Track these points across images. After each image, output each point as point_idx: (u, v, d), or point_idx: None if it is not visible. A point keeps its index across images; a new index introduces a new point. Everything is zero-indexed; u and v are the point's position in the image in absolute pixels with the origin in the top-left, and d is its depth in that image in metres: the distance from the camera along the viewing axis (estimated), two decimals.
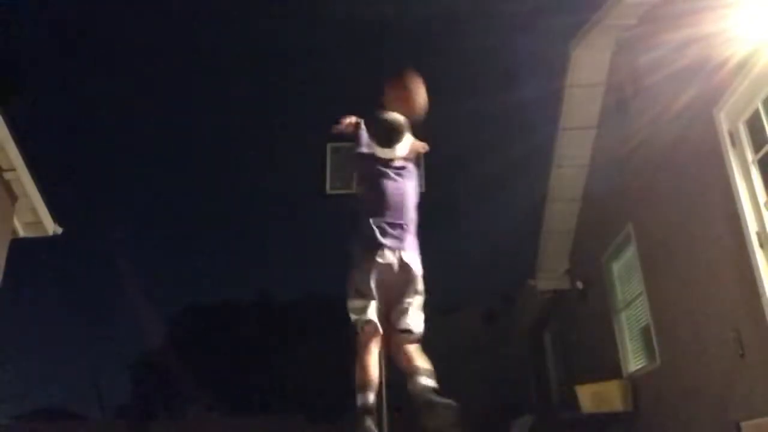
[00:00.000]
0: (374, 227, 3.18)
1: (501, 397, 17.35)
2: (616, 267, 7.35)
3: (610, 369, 6.98)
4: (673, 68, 5.33)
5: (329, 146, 7.00)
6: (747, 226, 4.30)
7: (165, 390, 24.23)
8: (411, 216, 3.33)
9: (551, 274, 9.18)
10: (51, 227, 8.03)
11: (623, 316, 7.10)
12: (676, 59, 5.27)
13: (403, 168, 3.44)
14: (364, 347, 3.05)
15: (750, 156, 4.47)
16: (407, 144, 3.47)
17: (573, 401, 7.11)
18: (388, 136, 3.39)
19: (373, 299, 3.10)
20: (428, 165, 6.94)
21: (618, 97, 6.98)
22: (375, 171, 3.38)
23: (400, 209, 3.28)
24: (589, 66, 7.18)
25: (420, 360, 2.97)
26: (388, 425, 5.74)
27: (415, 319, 3.12)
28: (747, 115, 4.50)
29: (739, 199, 4.40)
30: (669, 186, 5.62)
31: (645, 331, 6.43)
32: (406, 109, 3.45)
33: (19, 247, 7.93)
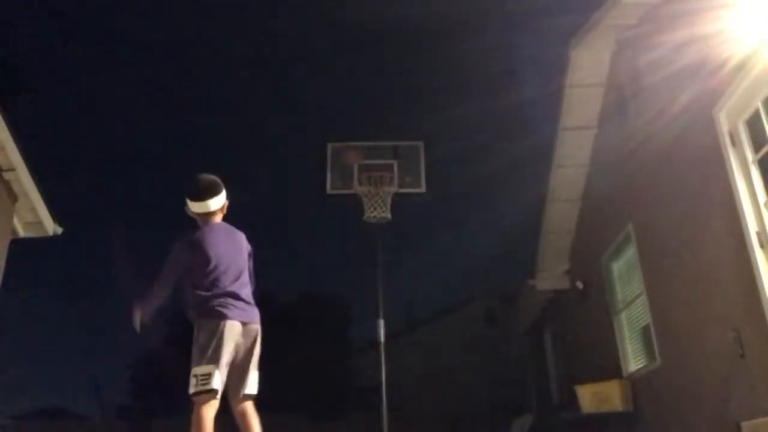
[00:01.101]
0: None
1: (501, 397, 17.36)
2: (616, 267, 7.35)
3: (610, 369, 6.98)
4: (673, 68, 5.33)
5: (330, 146, 7.02)
6: (747, 226, 4.31)
7: (165, 390, 24.21)
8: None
9: (551, 274, 9.17)
10: (51, 227, 8.01)
11: (623, 316, 7.10)
12: (676, 59, 5.27)
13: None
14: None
15: (750, 156, 4.47)
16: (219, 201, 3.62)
17: (573, 401, 7.11)
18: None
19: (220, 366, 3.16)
20: (429, 165, 6.97)
21: (618, 97, 6.98)
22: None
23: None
24: (588, 66, 7.18)
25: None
26: (388, 425, 5.75)
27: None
28: (747, 115, 4.50)
29: (739, 199, 4.40)
30: (669, 186, 5.62)
31: (645, 331, 6.43)
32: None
33: (19, 247, 7.92)
